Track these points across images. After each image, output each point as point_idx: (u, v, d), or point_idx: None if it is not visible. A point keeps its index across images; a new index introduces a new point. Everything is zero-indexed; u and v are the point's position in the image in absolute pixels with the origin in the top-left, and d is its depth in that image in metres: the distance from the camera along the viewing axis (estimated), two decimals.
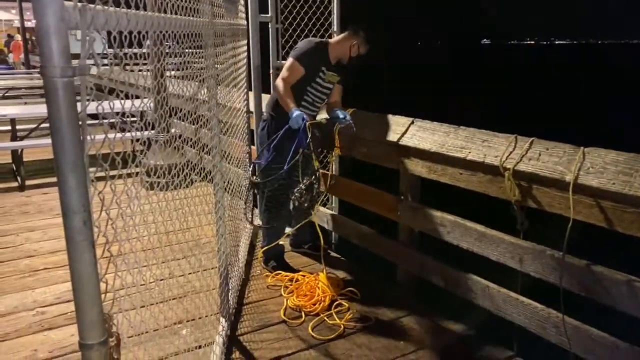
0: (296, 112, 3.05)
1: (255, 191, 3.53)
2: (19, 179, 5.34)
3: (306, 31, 3.89)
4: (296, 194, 3.01)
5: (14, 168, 5.67)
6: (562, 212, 2.22)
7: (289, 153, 3.07)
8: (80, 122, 0.96)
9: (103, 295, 1.07)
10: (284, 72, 3.24)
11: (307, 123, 3.04)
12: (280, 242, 3.46)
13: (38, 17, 0.88)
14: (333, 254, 3.72)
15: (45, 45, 0.89)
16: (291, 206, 3.41)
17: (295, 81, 3.21)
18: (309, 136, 3.02)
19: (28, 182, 5.30)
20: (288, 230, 3.61)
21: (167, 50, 1.90)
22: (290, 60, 3.24)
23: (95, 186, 1.03)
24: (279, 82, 3.21)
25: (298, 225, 3.41)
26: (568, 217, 2.17)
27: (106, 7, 1.05)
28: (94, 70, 1.02)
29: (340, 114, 3.23)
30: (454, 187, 2.74)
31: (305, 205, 3.02)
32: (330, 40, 3.38)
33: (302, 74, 3.20)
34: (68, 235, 0.96)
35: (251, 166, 3.60)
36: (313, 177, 3.05)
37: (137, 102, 1.45)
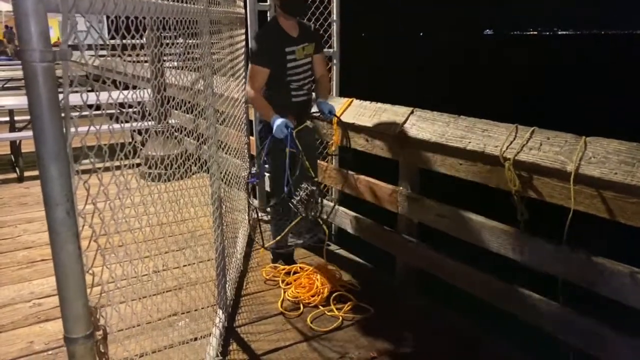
0: (278, 121, 2.85)
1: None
2: (17, 170, 5.32)
3: (305, 19, 3.83)
4: (300, 207, 2.82)
5: (13, 159, 5.65)
6: (563, 202, 2.18)
7: (284, 165, 2.88)
8: (62, 109, 0.92)
9: (89, 288, 1.04)
10: (248, 81, 3.03)
11: (294, 132, 2.86)
12: (290, 242, 3.40)
13: None
14: (332, 245, 3.69)
15: (24, 28, 0.85)
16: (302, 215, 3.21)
17: (266, 81, 2.99)
18: (299, 146, 2.85)
19: (26, 174, 5.27)
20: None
21: (163, 40, 1.87)
22: (250, 66, 3.02)
23: (80, 176, 0.99)
24: (248, 94, 3.03)
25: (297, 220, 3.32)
26: (569, 207, 2.14)
27: None
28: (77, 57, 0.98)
29: (325, 108, 3.05)
30: (454, 178, 2.71)
31: (313, 213, 2.84)
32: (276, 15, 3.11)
33: (269, 72, 2.96)
34: (51, 226, 0.94)
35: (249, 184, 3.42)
36: (309, 183, 2.86)
37: (127, 91, 1.41)
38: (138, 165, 4.03)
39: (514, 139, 2.37)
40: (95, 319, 1.01)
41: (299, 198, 2.83)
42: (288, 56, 3.00)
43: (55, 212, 0.92)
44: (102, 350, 1.04)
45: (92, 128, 1.08)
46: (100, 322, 1.04)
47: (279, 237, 3.18)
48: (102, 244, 1.16)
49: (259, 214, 3.76)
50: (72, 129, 0.96)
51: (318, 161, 3.52)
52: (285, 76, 3.03)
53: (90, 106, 1.05)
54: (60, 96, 0.92)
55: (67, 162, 0.93)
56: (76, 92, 0.98)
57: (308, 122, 3.03)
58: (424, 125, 2.83)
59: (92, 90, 1.11)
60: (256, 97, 2.98)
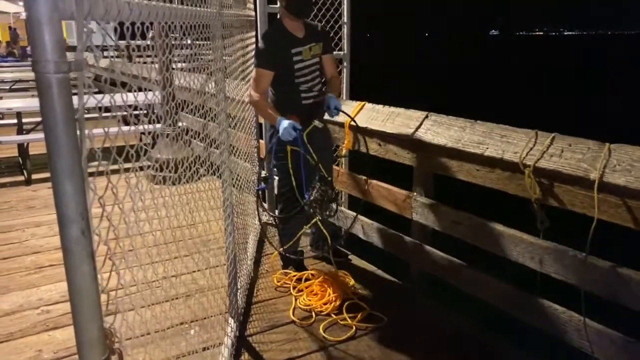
0: (284, 123, 2.74)
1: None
2: (25, 172, 5.30)
3: (316, 21, 3.78)
4: (314, 207, 2.75)
5: (20, 162, 5.63)
6: (586, 211, 2.12)
7: (300, 170, 2.82)
8: (77, 122, 0.87)
9: (104, 307, 0.99)
10: (252, 85, 2.95)
11: (304, 134, 2.78)
12: (300, 249, 3.36)
13: (29, 6, 0.80)
14: (344, 251, 3.63)
15: (37, 38, 0.80)
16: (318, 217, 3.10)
17: (270, 84, 2.93)
18: (309, 148, 2.78)
19: (34, 176, 5.25)
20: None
21: (173, 42, 1.83)
22: (254, 69, 2.96)
23: (94, 190, 0.94)
24: (251, 98, 2.94)
25: (311, 223, 3.24)
26: (592, 216, 2.08)
27: None
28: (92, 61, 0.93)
29: (332, 103, 2.93)
30: (469, 184, 2.65)
31: (326, 214, 2.79)
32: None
33: (273, 74, 2.90)
34: (65, 245, 0.88)
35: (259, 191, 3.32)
36: (321, 184, 2.78)
37: (141, 95, 1.37)
38: (149, 167, 3.99)
39: (534, 145, 2.31)
40: (110, 342, 0.96)
41: (312, 199, 2.78)
42: (295, 57, 2.94)
43: (70, 230, 0.87)
44: None
45: (105, 134, 1.03)
46: (116, 345, 0.98)
47: (290, 243, 3.12)
48: (113, 250, 1.11)
49: (274, 220, 3.70)
50: (87, 137, 0.91)
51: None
52: (293, 78, 2.96)
53: (103, 110, 1.01)
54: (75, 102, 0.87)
55: (82, 177, 0.88)
56: (94, 93, 0.93)
57: (316, 122, 2.91)
58: (439, 130, 2.77)
59: (101, 93, 1.06)
60: (259, 100, 2.92)
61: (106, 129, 1.04)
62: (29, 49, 17.64)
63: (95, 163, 0.99)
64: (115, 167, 1.10)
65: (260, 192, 3.31)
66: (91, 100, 0.94)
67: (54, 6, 0.80)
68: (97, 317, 0.93)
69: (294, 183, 2.89)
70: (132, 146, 1.21)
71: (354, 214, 3.56)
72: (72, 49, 0.90)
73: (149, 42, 1.33)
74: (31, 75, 10.99)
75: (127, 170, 1.22)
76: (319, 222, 2.96)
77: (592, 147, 2.12)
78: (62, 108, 0.83)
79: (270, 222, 3.99)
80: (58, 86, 0.82)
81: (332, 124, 3.43)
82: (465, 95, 19.19)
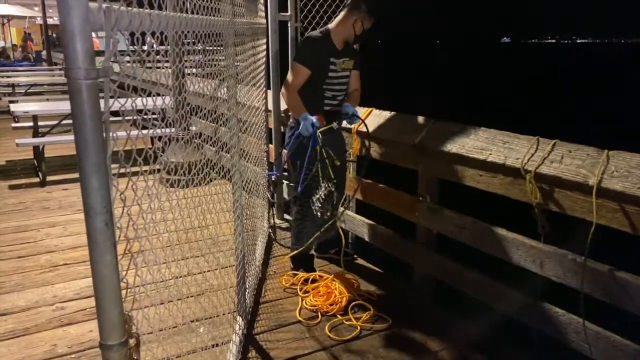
0: (306, 119, 2.98)
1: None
2: (40, 174, 5.42)
3: (321, 24, 3.86)
4: (317, 205, 2.89)
5: (36, 164, 5.75)
6: (585, 216, 2.18)
7: (304, 162, 2.98)
8: (103, 124, 0.96)
9: (123, 295, 1.07)
10: (288, 76, 3.11)
11: (318, 131, 2.95)
12: (311, 252, 3.42)
13: (63, 19, 0.88)
14: (350, 252, 3.70)
15: (70, 47, 0.89)
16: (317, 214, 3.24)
17: (303, 83, 3.07)
18: (320, 144, 2.93)
19: (49, 178, 5.38)
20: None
21: (187, 48, 1.92)
22: (293, 64, 3.13)
23: (117, 187, 1.03)
24: (284, 89, 3.11)
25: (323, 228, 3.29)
26: (590, 221, 2.13)
27: (130, 8, 1.05)
28: (116, 68, 1.02)
29: (350, 110, 3.16)
30: (473, 189, 2.71)
31: (327, 214, 2.89)
32: (330, 25, 3.18)
33: (309, 75, 3.05)
34: (90, 236, 0.97)
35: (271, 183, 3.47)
36: (330, 183, 2.91)
37: (159, 100, 1.45)
38: (168, 172, 4.08)
39: (535, 151, 2.38)
40: (129, 327, 1.04)
41: (317, 196, 2.89)
42: (330, 65, 3.09)
43: (94, 222, 0.96)
44: (135, 357, 1.07)
45: (127, 136, 1.12)
46: (133, 329, 1.06)
47: (303, 248, 3.19)
48: (134, 249, 1.19)
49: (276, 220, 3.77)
50: (112, 138, 1.00)
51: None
52: (322, 84, 3.11)
53: (125, 114, 1.09)
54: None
55: (107, 174, 0.96)
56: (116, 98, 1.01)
57: (334, 124, 3.11)
58: (444, 136, 2.84)
59: (129, 99, 1.15)
60: (292, 94, 3.07)
61: (128, 131, 1.13)
62: (43, 53, 17.87)
63: (116, 165, 1.07)
64: (136, 168, 1.18)
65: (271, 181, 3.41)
66: (115, 104, 1.03)
67: (85, 19, 0.89)
68: (118, 303, 1.01)
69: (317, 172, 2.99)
70: (140, 151, 1.29)
71: (362, 218, 3.65)
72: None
73: (154, 48, 1.41)
74: (46, 79, 11.22)
75: (145, 172, 1.30)
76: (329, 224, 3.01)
77: (591, 153, 2.18)
78: (90, 110, 0.92)
79: (279, 224, 4.08)
80: (87, 91, 0.91)
81: (341, 129, 3.51)
82: (473, 101, 19.19)
